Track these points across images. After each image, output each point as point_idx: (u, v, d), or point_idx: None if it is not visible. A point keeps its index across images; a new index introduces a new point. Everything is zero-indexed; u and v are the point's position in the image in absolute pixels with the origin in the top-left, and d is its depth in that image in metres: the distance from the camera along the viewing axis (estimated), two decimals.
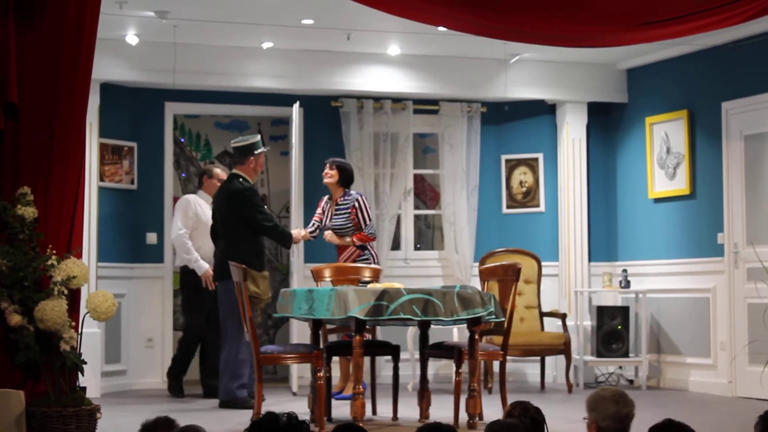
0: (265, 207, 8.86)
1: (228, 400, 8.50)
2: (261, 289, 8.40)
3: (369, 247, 8.90)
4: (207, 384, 9.20)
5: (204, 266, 9.14)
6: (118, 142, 9.86)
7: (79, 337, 6.11)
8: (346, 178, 8.93)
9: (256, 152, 8.72)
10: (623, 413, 4.19)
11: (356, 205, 8.82)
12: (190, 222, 9.25)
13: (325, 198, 9.06)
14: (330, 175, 8.91)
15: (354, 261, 8.80)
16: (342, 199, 8.88)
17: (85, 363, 6.13)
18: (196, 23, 8.89)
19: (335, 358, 8.23)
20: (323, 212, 9.02)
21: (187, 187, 10.91)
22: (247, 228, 8.51)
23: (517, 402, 4.58)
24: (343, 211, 8.85)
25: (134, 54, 9.50)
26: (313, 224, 9.06)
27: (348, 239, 8.83)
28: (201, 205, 9.34)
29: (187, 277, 9.26)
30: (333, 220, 8.89)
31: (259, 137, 8.91)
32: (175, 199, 9.77)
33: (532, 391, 9.57)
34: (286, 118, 10.50)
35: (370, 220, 8.84)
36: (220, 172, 9.47)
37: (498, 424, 4.03)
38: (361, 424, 4.82)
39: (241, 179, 8.66)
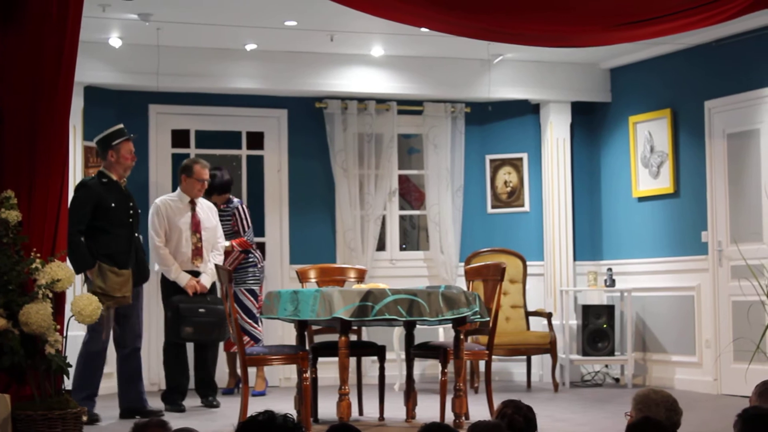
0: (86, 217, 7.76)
1: None
2: (106, 285, 7.69)
3: (252, 250, 9.29)
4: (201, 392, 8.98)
5: None
6: None
7: (64, 340, 6.11)
8: (216, 186, 9.13)
9: (113, 144, 7.86)
10: (672, 421, 4.05)
11: (236, 213, 9.22)
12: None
13: None
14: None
15: (240, 263, 9.20)
16: (225, 206, 9.23)
17: (71, 366, 6.12)
18: (179, 25, 8.88)
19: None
20: None
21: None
22: (94, 225, 7.82)
23: (509, 401, 4.51)
24: (226, 218, 9.16)
25: (118, 57, 9.49)
26: None
27: (227, 243, 9.03)
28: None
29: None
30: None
31: (120, 126, 8.05)
32: None
33: (519, 390, 9.58)
34: (269, 120, 10.47)
35: (249, 227, 9.25)
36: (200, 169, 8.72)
37: (482, 424, 4.00)
38: None
39: (97, 177, 7.91)
